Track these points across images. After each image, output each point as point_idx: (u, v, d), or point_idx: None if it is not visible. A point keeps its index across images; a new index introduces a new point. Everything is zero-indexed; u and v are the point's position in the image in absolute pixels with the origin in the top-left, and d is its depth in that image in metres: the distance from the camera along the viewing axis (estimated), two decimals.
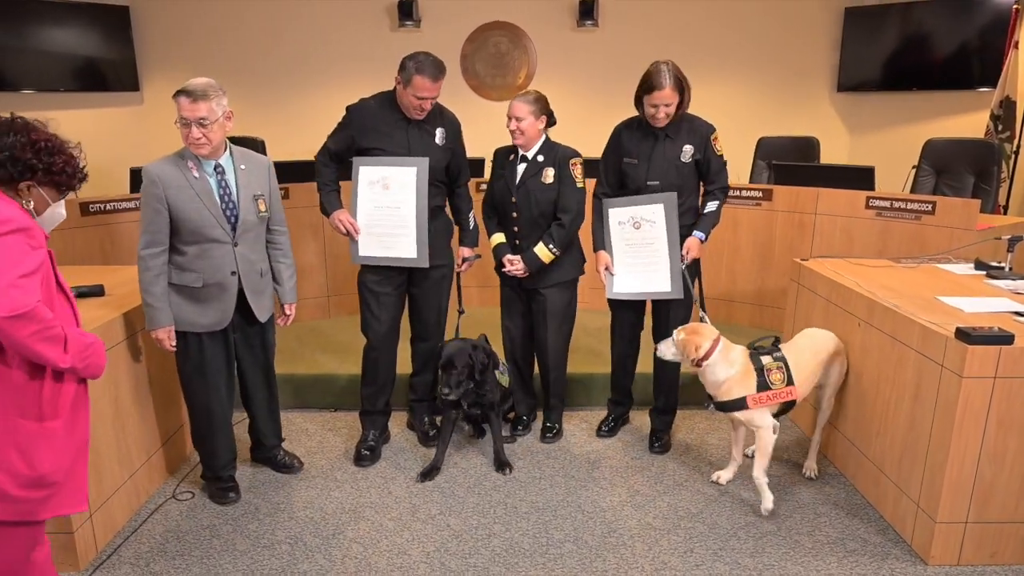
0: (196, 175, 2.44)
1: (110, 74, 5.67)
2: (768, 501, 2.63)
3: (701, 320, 2.85)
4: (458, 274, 3.14)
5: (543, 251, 2.96)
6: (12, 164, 1.63)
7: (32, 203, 1.69)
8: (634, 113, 2.92)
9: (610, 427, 3.29)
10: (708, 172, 2.90)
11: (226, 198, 2.48)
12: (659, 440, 3.16)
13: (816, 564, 2.39)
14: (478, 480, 2.92)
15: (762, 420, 2.63)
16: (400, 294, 2.99)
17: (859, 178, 3.97)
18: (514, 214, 2.99)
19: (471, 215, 3.12)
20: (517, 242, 3.02)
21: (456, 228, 3.12)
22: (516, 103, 2.87)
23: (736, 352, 2.67)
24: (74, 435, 1.74)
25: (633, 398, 3.33)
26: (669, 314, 2.98)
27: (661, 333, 2.95)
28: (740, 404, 2.61)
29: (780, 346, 2.78)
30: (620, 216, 2.92)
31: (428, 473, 2.90)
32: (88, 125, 5.53)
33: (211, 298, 2.51)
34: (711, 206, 2.93)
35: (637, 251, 2.92)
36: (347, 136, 2.85)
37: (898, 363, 2.53)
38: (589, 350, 3.76)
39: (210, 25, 5.81)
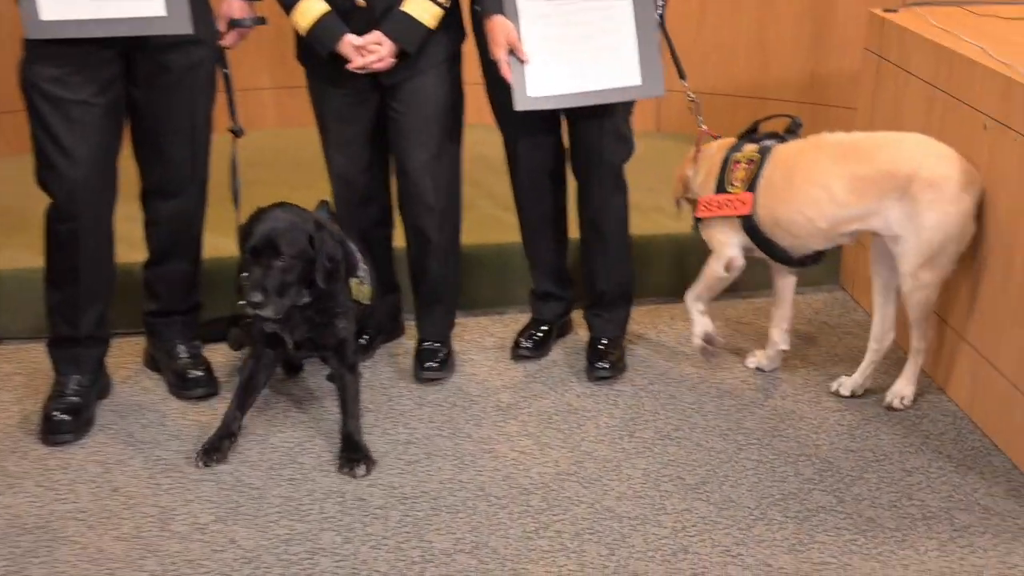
0: None
1: None
2: (698, 327, 3.18)
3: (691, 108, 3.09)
4: (222, 55, 3.09)
5: (422, 7, 2.93)
6: None
7: None
8: None
9: (536, 341, 3.44)
10: None
11: None
12: (605, 357, 3.30)
13: (903, 554, 2.54)
14: (292, 456, 2.94)
15: (717, 241, 3.09)
16: (111, 102, 2.91)
17: None
18: None
19: None
20: (360, 2, 2.97)
21: None
22: None
23: (716, 144, 3.15)
24: None
25: (572, 285, 3.48)
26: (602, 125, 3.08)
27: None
28: (695, 223, 3.16)
29: (795, 136, 3.05)
30: None
31: (212, 450, 2.89)
32: None
33: None
34: None
35: (569, 13, 2.92)
36: None
37: None
38: (493, 199, 3.81)
39: None
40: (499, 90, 3.06)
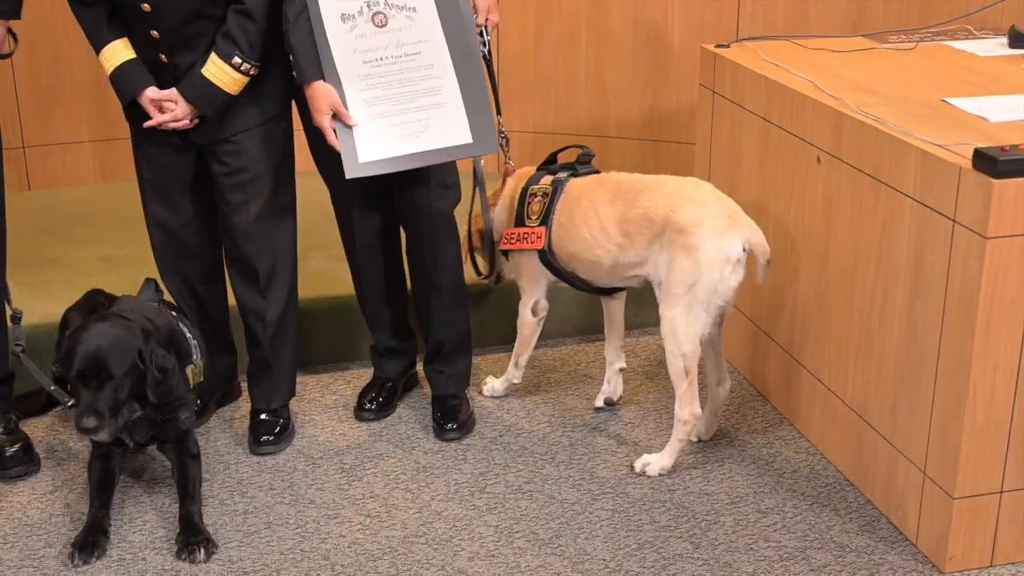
0: None
1: None
2: (492, 387, 3.39)
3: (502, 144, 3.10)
4: None
5: (221, 71, 2.86)
6: None
7: None
8: None
9: (380, 402, 3.40)
10: None
11: None
12: (452, 415, 3.26)
13: None
14: (121, 535, 2.82)
15: (527, 281, 3.16)
16: None
17: None
18: (145, 6, 2.81)
19: None
20: (163, 58, 2.92)
21: None
22: None
23: (516, 174, 3.19)
24: None
25: (413, 338, 3.47)
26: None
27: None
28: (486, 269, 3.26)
29: (587, 169, 3.06)
30: (343, 5, 2.79)
31: (87, 546, 2.73)
32: None
33: None
34: None
35: (389, 73, 2.86)
36: None
37: (886, 223, 2.64)
38: (327, 249, 3.76)
39: None
40: (325, 155, 3.00)
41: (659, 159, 4.30)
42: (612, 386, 3.31)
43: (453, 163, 3.07)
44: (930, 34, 3.51)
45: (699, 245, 2.72)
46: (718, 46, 3.44)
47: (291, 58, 2.82)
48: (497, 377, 3.37)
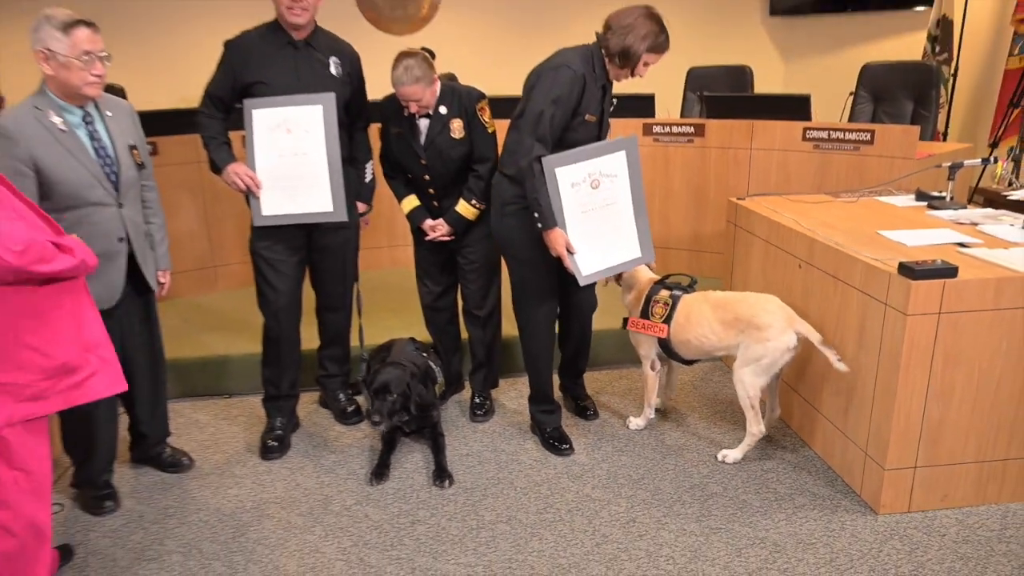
0: (62, 128, 2.25)
1: None
2: (635, 423, 3.04)
3: None
4: (358, 234, 3.02)
5: (466, 209, 2.89)
6: None
7: None
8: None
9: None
10: None
11: (102, 152, 2.32)
12: (587, 411, 3.14)
13: (764, 523, 2.44)
14: (398, 462, 2.85)
15: (643, 349, 2.92)
16: (299, 261, 2.85)
17: (795, 108, 4.02)
18: (426, 176, 2.88)
19: (369, 165, 2.98)
20: (436, 203, 2.95)
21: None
22: (405, 89, 2.67)
23: (642, 279, 2.93)
24: (83, 322, 1.98)
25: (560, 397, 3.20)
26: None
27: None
28: (624, 324, 2.90)
29: (692, 289, 2.86)
30: (573, 176, 2.53)
31: (378, 474, 2.75)
32: None
33: (96, 271, 2.32)
34: None
35: (597, 217, 2.60)
36: (228, 74, 2.68)
37: (841, 304, 2.58)
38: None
39: None
40: (523, 280, 2.77)
41: (701, 262, 4.26)
42: (662, 399, 3.15)
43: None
44: (866, 193, 3.43)
45: (769, 338, 2.62)
46: (737, 199, 3.41)
47: (536, 212, 2.52)
48: (636, 417, 3.06)
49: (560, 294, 2.82)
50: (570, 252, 2.57)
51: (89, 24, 2.23)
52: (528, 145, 2.48)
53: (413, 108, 2.73)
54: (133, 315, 2.55)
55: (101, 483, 2.61)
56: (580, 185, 2.55)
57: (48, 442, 2.04)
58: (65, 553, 2.34)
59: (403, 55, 2.69)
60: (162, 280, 2.62)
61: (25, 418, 1.91)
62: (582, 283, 2.62)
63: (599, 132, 2.66)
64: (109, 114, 2.38)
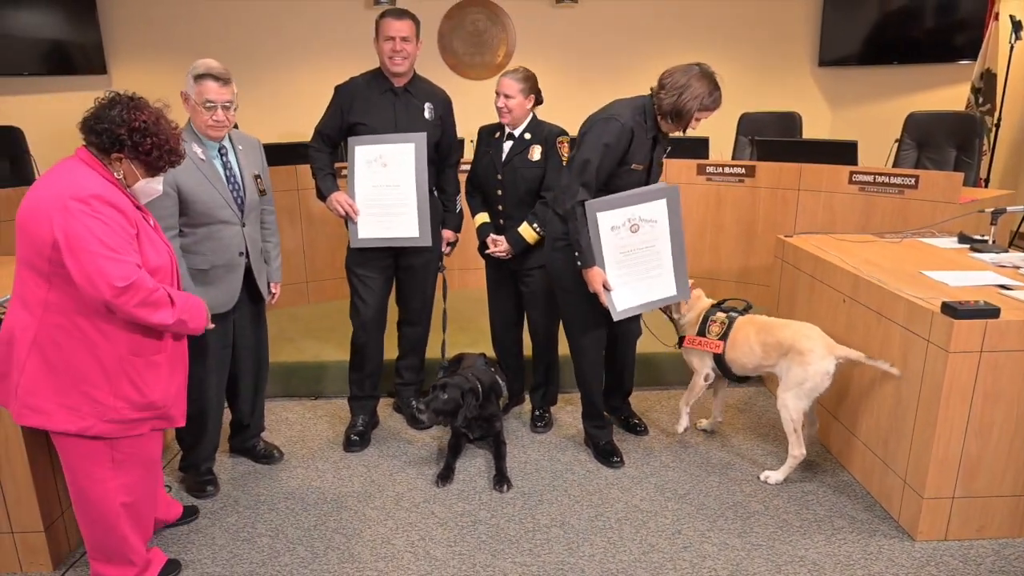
0: (202, 157, 2.41)
1: (77, 57, 5.47)
2: (680, 426, 2.96)
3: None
4: (441, 258, 3.08)
5: (527, 231, 2.90)
6: (107, 136, 1.83)
7: (122, 174, 1.88)
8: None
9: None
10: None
11: (232, 179, 2.48)
12: (639, 422, 3.11)
13: (804, 543, 2.37)
14: (462, 466, 2.87)
15: (697, 364, 2.88)
16: (387, 278, 2.95)
17: (842, 153, 3.93)
18: (499, 192, 2.92)
19: (457, 198, 3.06)
20: (501, 221, 2.96)
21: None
22: (505, 80, 2.79)
23: (700, 302, 2.90)
24: (175, 370, 2.04)
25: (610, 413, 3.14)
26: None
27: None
28: (681, 342, 2.89)
29: (748, 313, 2.82)
30: (614, 220, 2.52)
31: (443, 477, 2.77)
32: (56, 108, 5.35)
33: (217, 280, 2.48)
34: None
35: (635, 258, 2.58)
36: (336, 115, 2.82)
37: (884, 339, 2.50)
38: None
39: (178, 5, 5.63)
40: (571, 308, 2.73)
41: (748, 294, 4.14)
42: (711, 425, 3.10)
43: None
44: (910, 234, 3.32)
45: (811, 362, 2.57)
46: (785, 236, 3.35)
47: (576, 252, 2.52)
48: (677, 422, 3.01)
49: (608, 323, 2.79)
50: (607, 289, 2.55)
51: (217, 78, 2.37)
52: (574, 190, 2.47)
53: (500, 102, 2.79)
54: (245, 319, 2.67)
55: (204, 469, 2.72)
56: (620, 228, 2.53)
57: (101, 467, 1.99)
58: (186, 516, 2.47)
59: (517, 68, 2.83)
60: (273, 291, 2.75)
61: (99, 435, 1.92)
62: (615, 318, 2.59)
63: (647, 179, 2.62)
64: (240, 148, 2.54)
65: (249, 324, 2.70)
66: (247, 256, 2.53)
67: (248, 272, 2.56)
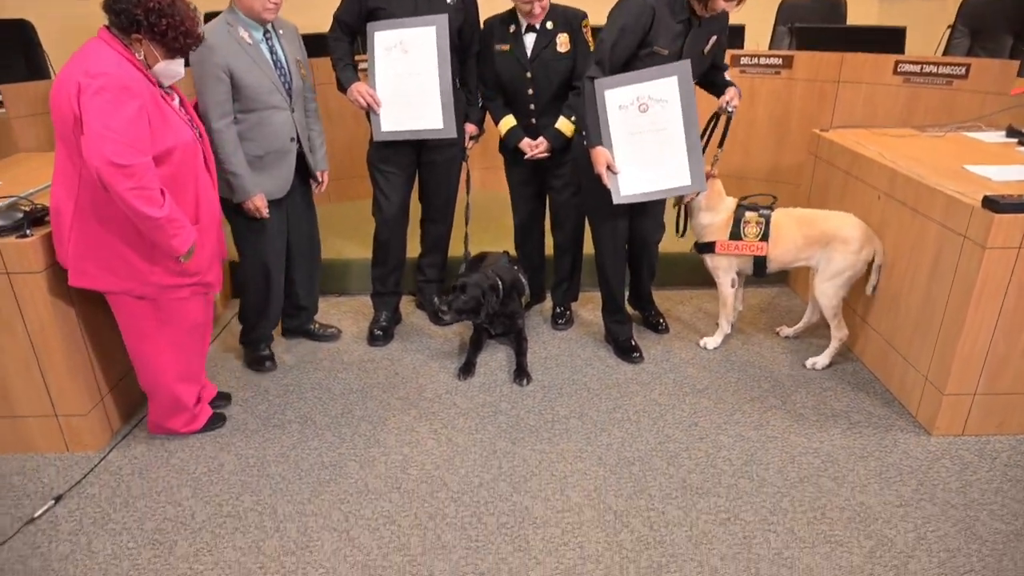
0: (249, 41, 2.40)
1: None
2: (712, 342, 2.92)
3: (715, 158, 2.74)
4: (464, 152, 3.00)
5: (565, 125, 2.80)
6: (125, 16, 1.88)
7: (143, 55, 1.93)
8: None
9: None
10: (720, 58, 2.63)
11: (279, 64, 2.48)
12: (660, 320, 3.11)
13: (820, 436, 2.40)
14: (484, 361, 2.92)
15: (724, 270, 2.80)
16: (409, 174, 2.91)
17: (888, 41, 3.70)
18: (530, 91, 2.78)
19: (479, 90, 2.94)
20: (533, 121, 2.84)
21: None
22: None
23: (725, 202, 2.75)
24: (206, 240, 2.16)
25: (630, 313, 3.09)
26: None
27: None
28: (710, 248, 2.76)
29: (774, 207, 2.73)
30: (621, 98, 2.43)
31: (465, 371, 2.81)
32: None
33: (271, 166, 2.52)
34: (727, 77, 2.68)
35: (644, 140, 2.47)
36: (355, 1, 2.70)
37: (918, 237, 2.43)
38: None
39: None
40: (591, 196, 2.67)
41: (777, 192, 4.01)
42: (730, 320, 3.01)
43: (663, 206, 2.81)
44: (954, 128, 3.15)
45: (856, 250, 2.59)
46: (821, 130, 3.21)
47: (583, 131, 2.55)
48: (710, 336, 2.98)
49: (631, 224, 2.74)
50: (613, 172, 2.49)
51: None
52: (587, 66, 2.44)
53: (537, 9, 2.66)
54: (298, 204, 2.75)
55: (263, 347, 2.90)
56: (628, 108, 2.44)
57: (149, 324, 2.20)
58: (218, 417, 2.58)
59: None
60: (321, 179, 2.78)
61: (142, 296, 2.12)
62: (615, 202, 2.51)
63: None
64: (281, 32, 2.51)
65: (302, 208, 2.77)
66: (298, 141, 2.56)
67: (300, 157, 2.60)
